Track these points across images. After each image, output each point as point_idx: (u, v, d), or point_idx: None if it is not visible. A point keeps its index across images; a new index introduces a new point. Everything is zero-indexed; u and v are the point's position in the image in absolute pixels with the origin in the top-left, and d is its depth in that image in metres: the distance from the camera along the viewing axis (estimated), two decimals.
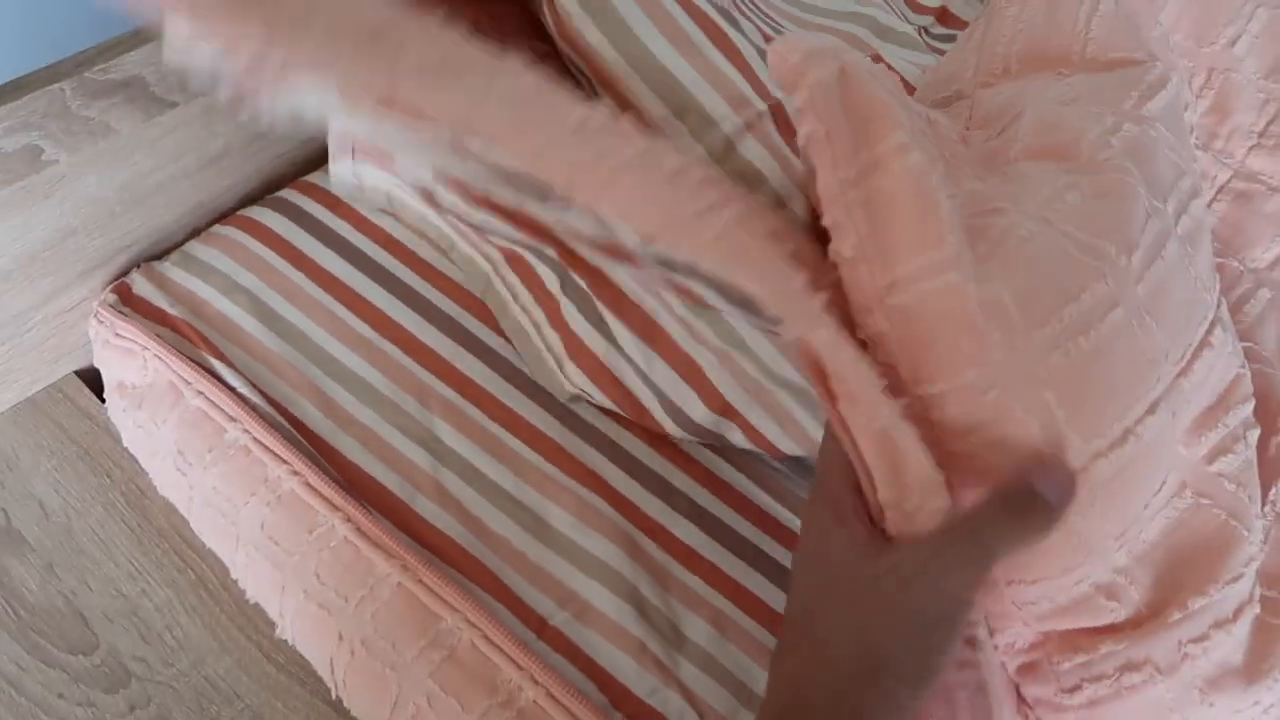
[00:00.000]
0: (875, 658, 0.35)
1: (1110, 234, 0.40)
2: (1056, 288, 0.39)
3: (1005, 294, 0.39)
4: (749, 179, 0.56)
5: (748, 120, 0.56)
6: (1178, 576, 0.42)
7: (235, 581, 0.61)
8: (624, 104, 0.57)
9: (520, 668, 0.53)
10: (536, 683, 0.52)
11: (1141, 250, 0.41)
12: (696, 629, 0.58)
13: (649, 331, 0.63)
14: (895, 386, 0.39)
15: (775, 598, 0.61)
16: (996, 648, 0.44)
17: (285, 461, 0.60)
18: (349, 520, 0.58)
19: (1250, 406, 0.45)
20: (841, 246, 0.40)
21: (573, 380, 0.64)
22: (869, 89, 0.39)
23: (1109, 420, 0.40)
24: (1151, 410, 0.40)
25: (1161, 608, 0.42)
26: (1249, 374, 0.46)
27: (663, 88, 0.57)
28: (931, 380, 0.39)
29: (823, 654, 0.36)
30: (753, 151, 0.56)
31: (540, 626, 0.57)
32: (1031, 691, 0.44)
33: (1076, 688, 0.42)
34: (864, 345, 0.40)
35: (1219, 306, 0.46)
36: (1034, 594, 0.42)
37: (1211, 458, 0.43)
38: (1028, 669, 0.44)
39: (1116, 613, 0.42)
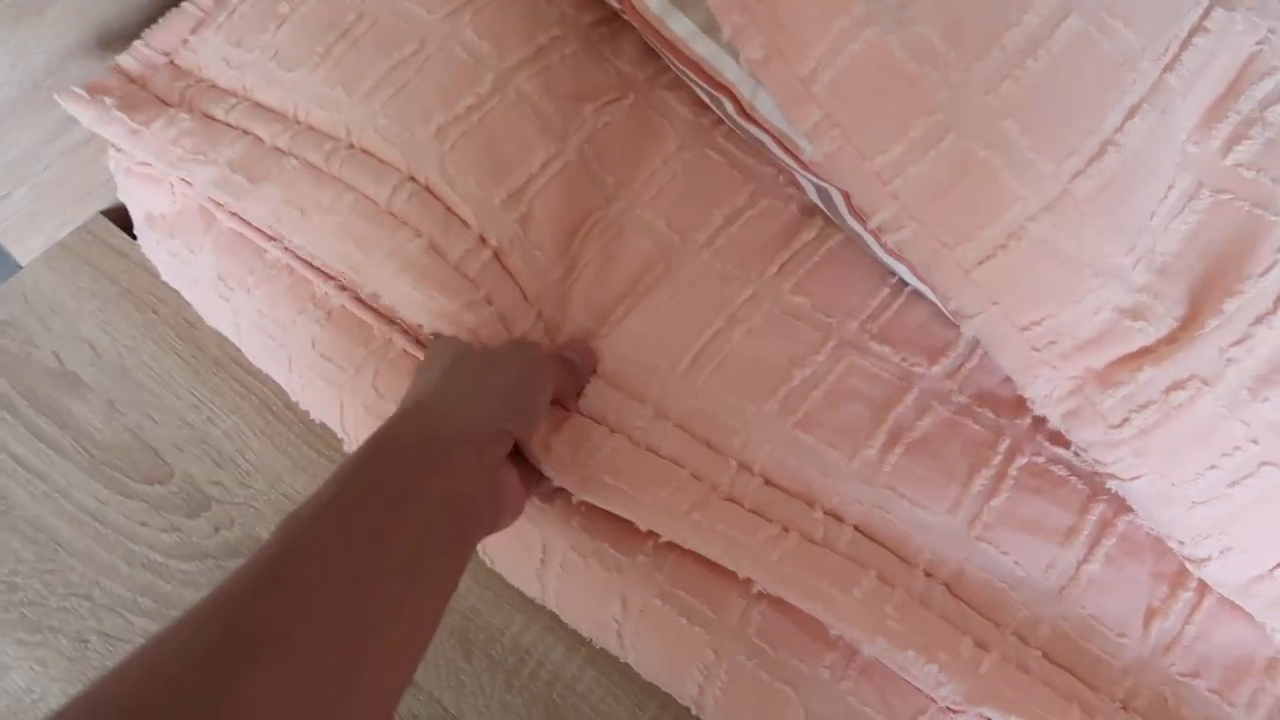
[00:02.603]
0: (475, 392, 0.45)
1: None
2: (990, 15, 0.38)
3: (932, 34, 0.38)
4: None
5: None
6: (1208, 281, 0.41)
7: (297, 403, 0.61)
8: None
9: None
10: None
11: None
12: None
13: None
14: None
15: None
16: (1033, 403, 0.44)
17: (332, 276, 0.57)
18: (406, 332, 0.56)
19: (1273, 80, 0.42)
20: (750, 50, 0.40)
21: None
22: None
23: (1080, 135, 0.38)
24: (1131, 114, 0.39)
25: (1195, 318, 0.41)
26: (1272, 44, 0.42)
27: None
28: (884, 147, 0.39)
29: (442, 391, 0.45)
30: None
31: None
32: (1081, 436, 0.43)
33: (1125, 421, 0.41)
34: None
35: None
36: (1050, 332, 0.41)
37: (1226, 149, 0.41)
38: (1072, 415, 0.43)
39: (1146, 333, 0.41)
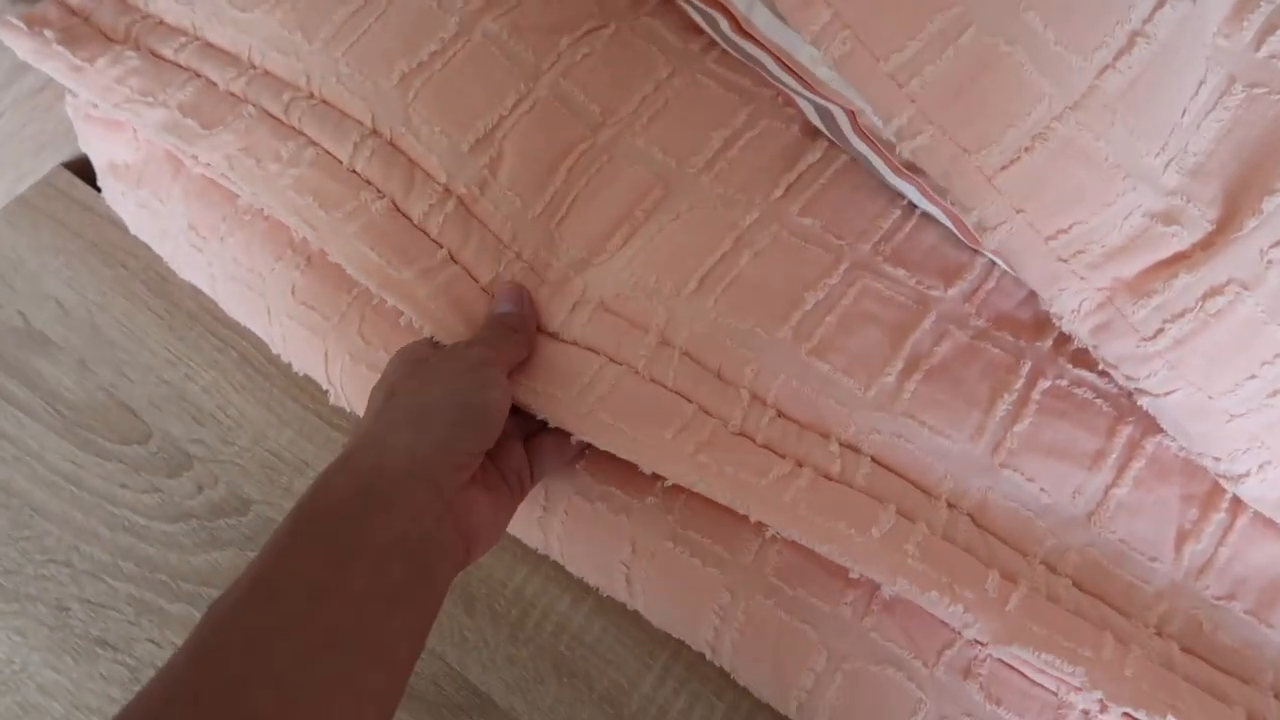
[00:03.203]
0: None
1: None
2: None
3: None
4: None
5: None
6: (1245, 180, 0.38)
7: (278, 355, 0.58)
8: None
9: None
10: None
11: None
12: None
13: None
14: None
15: None
16: (1060, 318, 0.41)
17: None
18: None
19: None
20: None
21: None
22: None
23: (1108, 26, 0.36)
24: (1161, 4, 0.36)
25: (1232, 219, 0.38)
26: None
27: None
28: (899, 45, 0.37)
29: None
30: None
31: None
32: (1111, 351, 0.41)
33: (1159, 332, 0.39)
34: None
35: None
36: (1078, 240, 0.39)
37: (1259, 41, 0.38)
38: (1101, 329, 0.41)
39: (1180, 238, 0.39)
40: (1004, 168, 0.37)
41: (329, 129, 0.52)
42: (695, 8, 0.52)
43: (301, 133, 0.52)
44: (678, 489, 0.45)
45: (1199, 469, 0.42)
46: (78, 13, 0.59)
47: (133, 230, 0.63)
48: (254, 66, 0.54)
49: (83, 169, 0.66)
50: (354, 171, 0.51)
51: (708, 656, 0.47)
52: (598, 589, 0.50)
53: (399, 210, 0.50)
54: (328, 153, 0.51)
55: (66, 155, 0.67)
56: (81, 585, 0.54)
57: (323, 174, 0.51)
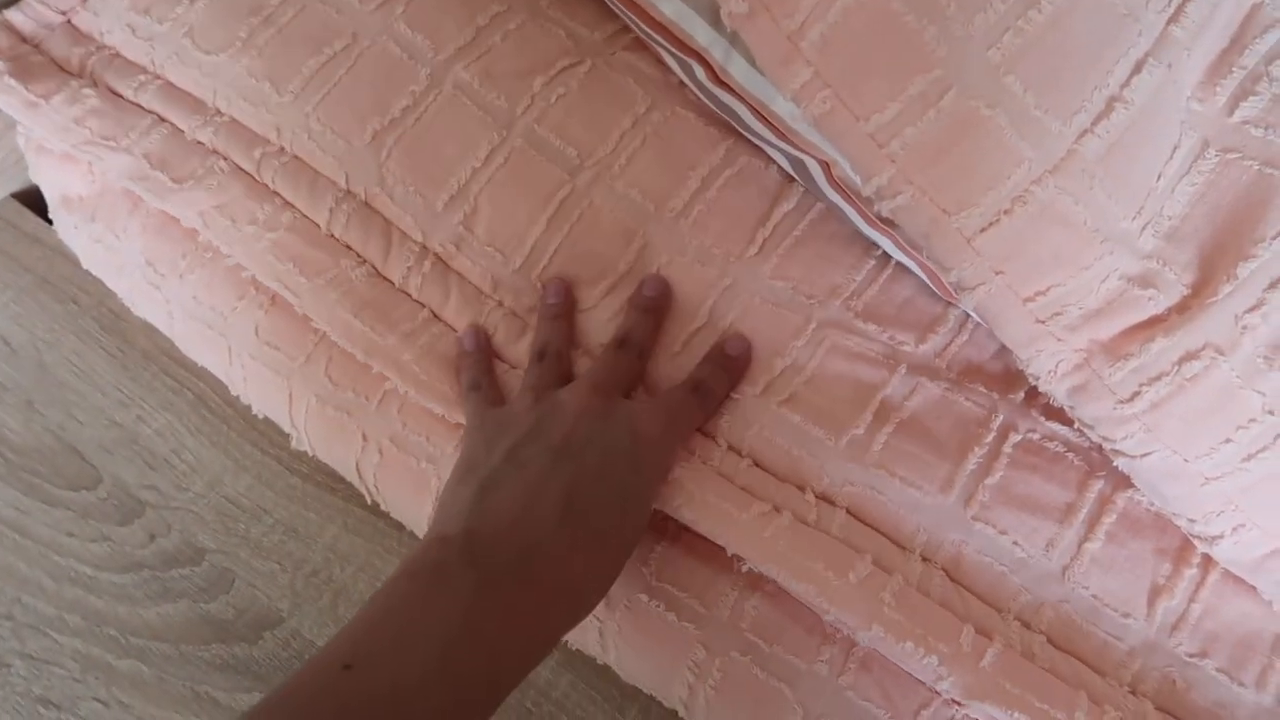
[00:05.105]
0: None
1: None
2: None
3: None
4: None
5: None
6: (1220, 245, 0.39)
7: (238, 397, 0.56)
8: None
9: None
10: None
11: None
12: None
13: None
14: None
15: None
16: (1037, 379, 0.42)
17: None
18: None
19: (1277, 33, 0.40)
20: (731, 4, 0.37)
21: None
22: None
23: (1087, 91, 0.36)
24: (1138, 69, 0.37)
25: (1207, 284, 0.39)
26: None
27: None
28: (879, 106, 0.37)
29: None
30: None
31: None
32: (1088, 412, 0.41)
33: (1135, 395, 0.40)
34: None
35: None
36: (1056, 302, 0.39)
37: (1232, 106, 0.39)
38: (1078, 391, 0.41)
39: (1157, 301, 0.39)
40: (983, 230, 0.38)
41: (304, 190, 0.51)
42: (672, 55, 0.51)
43: (277, 194, 0.51)
44: (653, 538, 0.45)
45: (1171, 524, 0.43)
46: (28, 40, 0.57)
47: (86, 265, 0.60)
48: (220, 113, 0.53)
49: (33, 199, 0.64)
50: (332, 236, 0.50)
51: (680, 714, 0.46)
52: (567, 641, 0.49)
53: (379, 275, 0.50)
54: (305, 216, 0.51)
55: (16, 185, 0.65)
56: (23, 640, 0.51)
57: (301, 240, 0.50)
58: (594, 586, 0.40)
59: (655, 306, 0.48)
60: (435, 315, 0.50)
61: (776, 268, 0.49)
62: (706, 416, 0.45)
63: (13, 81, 0.53)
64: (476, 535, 0.38)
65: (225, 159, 0.52)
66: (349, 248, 0.51)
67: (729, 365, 0.46)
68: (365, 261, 0.51)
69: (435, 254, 0.51)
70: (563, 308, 0.48)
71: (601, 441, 0.41)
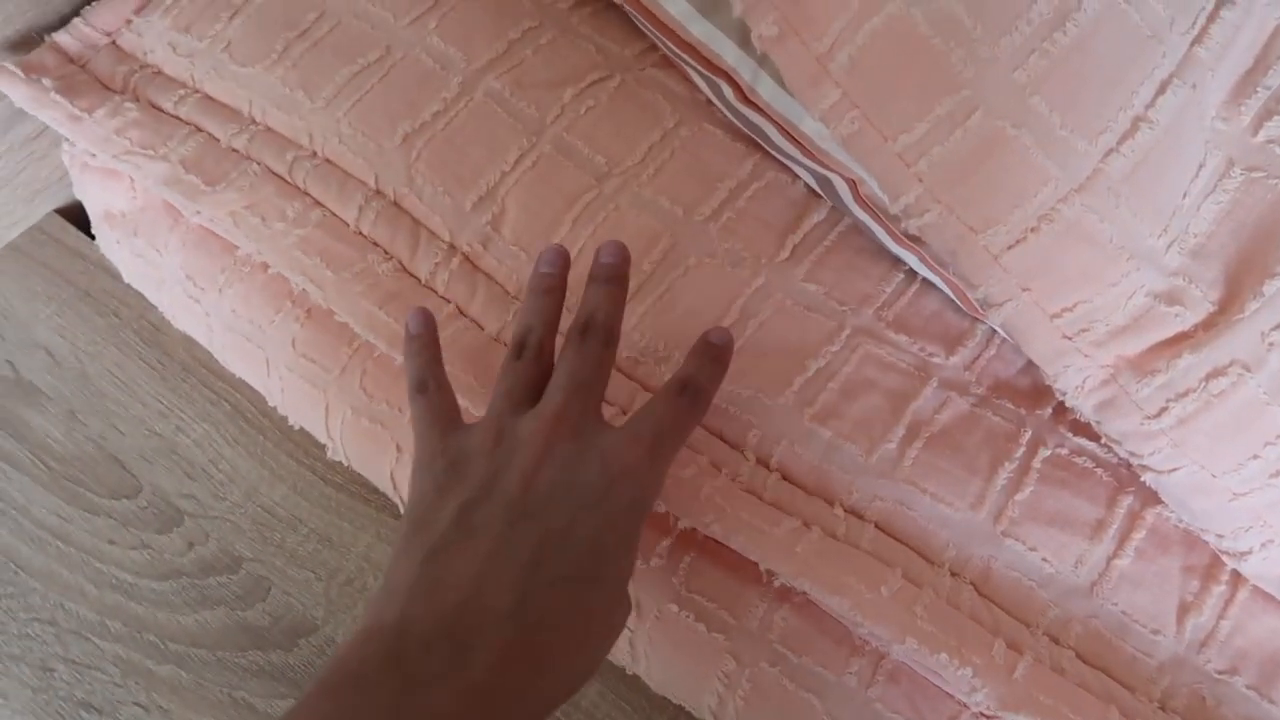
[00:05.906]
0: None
1: None
2: None
3: (958, 7, 0.36)
4: None
5: None
6: (1246, 262, 0.39)
7: (274, 409, 0.57)
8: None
9: None
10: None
11: None
12: None
13: None
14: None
15: None
16: (1064, 394, 0.42)
17: None
18: None
19: None
20: (763, 26, 0.38)
21: None
22: None
23: (1112, 111, 0.37)
24: (1163, 90, 0.37)
25: (1234, 301, 0.39)
26: None
27: None
28: (907, 126, 0.37)
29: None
30: None
31: None
32: (1115, 428, 0.42)
33: (1162, 410, 0.40)
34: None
35: None
36: (1083, 318, 0.39)
37: (1256, 126, 0.40)
38: (1105, 406, 0.41)
39: (1184, 318, 0.40)
40: (1010, 247, 0.38)
41: (333, 190, 0.52)
42: (700, 74, 0.52)
43: (307, 193, 0.52)
44: (682, 549, 0.45)
45: (1199, 540, 0.43)
46: (75, 60, 0.59)
47: (127, 279, 0.62)
48: (255, 122, 0.55)
49: (76, 215, 0.66)
50: (360, 234, 0.51)
51: None
52: None
53: (406, 270, 0.51)
54: (334, 214, 0.52)
55: (60, 202, 0.67)
56: (66, 645, 0.53)
57: (329, 235, 0.51)
58: (556, 679, 0.34)
59: (616, 275, 0.43)
60: (460, 311, 0.50)
61: (809, 272, 0.49)
62: (699, 417, 0.41)
63: (59, 97, 0.55)
64: (410, 625, 0.33)
65: (258, 163, 0.54)
66: (376, 244, 0.52)
67: (717, 356, 0.42)
68: (392, 257, 0.51)
69: (463, 253, 0.51)
70: (556, 280, 0.44)
71: (569, 494, 0.36)
